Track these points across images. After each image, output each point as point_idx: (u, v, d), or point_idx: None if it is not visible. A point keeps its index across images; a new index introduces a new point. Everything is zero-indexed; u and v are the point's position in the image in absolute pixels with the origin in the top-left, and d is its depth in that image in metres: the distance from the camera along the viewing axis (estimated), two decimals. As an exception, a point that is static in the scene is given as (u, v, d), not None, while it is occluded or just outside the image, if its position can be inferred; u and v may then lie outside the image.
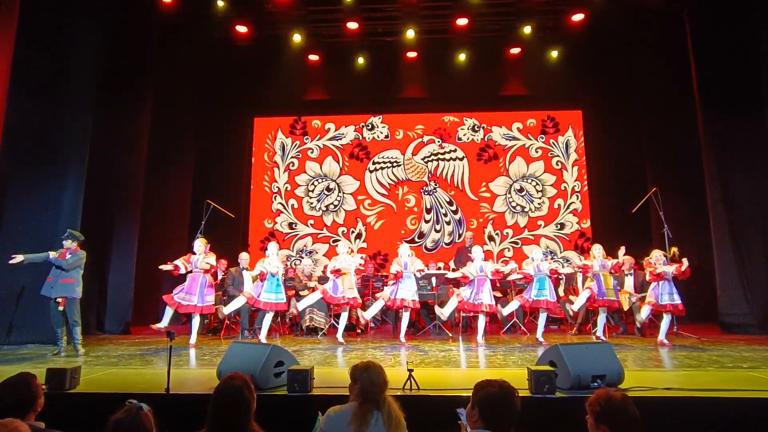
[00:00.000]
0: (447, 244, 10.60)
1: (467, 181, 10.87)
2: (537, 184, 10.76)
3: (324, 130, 11.23)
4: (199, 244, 6.67)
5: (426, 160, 10.99)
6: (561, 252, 10.39)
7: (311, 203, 10.96)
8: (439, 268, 8.42)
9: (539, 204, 10.68)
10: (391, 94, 10.83)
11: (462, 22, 9.53)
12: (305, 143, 11.19)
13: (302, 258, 10.26)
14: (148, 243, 8.70)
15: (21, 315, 6.61)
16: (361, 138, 11.14)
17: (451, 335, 7.40)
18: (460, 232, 10.66)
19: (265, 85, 10.76)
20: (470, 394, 2.13)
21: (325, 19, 9.79)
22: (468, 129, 11.05)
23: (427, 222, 10.78)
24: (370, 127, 11.17)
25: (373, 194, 10.92)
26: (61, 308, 5.83)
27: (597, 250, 6.90)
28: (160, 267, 6.71)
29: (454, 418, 2.31)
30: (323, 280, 7.49)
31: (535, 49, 10.24)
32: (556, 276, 6.98)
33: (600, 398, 1.95)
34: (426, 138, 11.08)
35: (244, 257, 8.14)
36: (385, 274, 8.30)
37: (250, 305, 6.80)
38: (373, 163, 11.03)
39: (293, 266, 9.57)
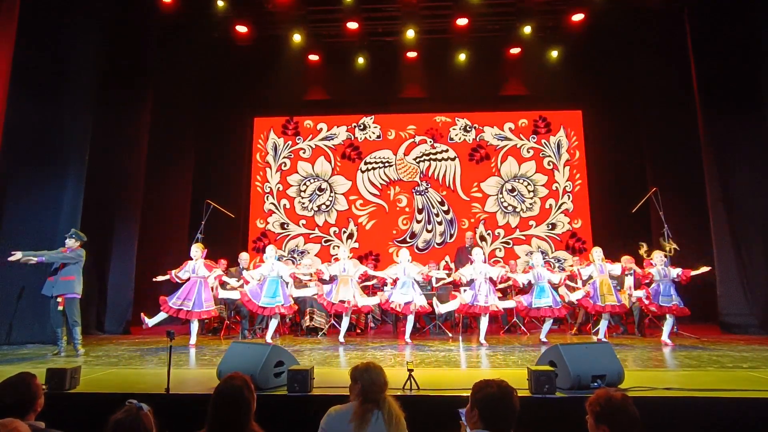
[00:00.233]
0: (438, 245, 10.61)
1: (459, 182, 10.88)
2: (528, 184, 10.77)
3: (316, 130, 11.23)
4: (196, 249, 6.67)
5: (418, 160, 11.00)
6: (552, 252, 10.39)
7: (303, 203, 10.96)
8: (447, 273, 8.39)
9: (531, 204, 10.70)
10: (392, 94, 10.83)
11: (462, 22, 9.53)
12: (297, 143, 11.20)
13: (293, 258, 10.27)
14: (148, 243, 8.71)
15: (21, 315, 6.62)
16: (353, 138, 11.15)
17: (451, 335, 7.41)
18: (452, 232, 10.68)
19: (265, 85, 10.76)
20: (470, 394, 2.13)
21: (325, 19, 9.79)
22: (460, 129, 11.06)
23: (418, 222, 10.78)
24: (362, 127, 11.17)
25: (365, 194, 10.93)
26: (60, 308, 5.83)
27: (596, 253, 6.82)
28: (155, 279, 6.76)
29: (454, 418, 2.31)
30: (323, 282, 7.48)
31: (535, 49, 10.24)
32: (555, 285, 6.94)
33: (600, 398, 1.95)
34: (418, 138, 11.09)
35: (244, 257, 8.15)
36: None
37: (246, 306, 6.77)
38: (365, 164, 11.03)
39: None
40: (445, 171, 10.92)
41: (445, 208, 10.80)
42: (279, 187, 11.04)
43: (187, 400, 3.52)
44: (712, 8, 8.10)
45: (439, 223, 10.75)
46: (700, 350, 5.85)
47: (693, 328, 7.48)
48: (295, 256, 10.48)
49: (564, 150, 10.85)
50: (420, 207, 10.82)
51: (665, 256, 6.70)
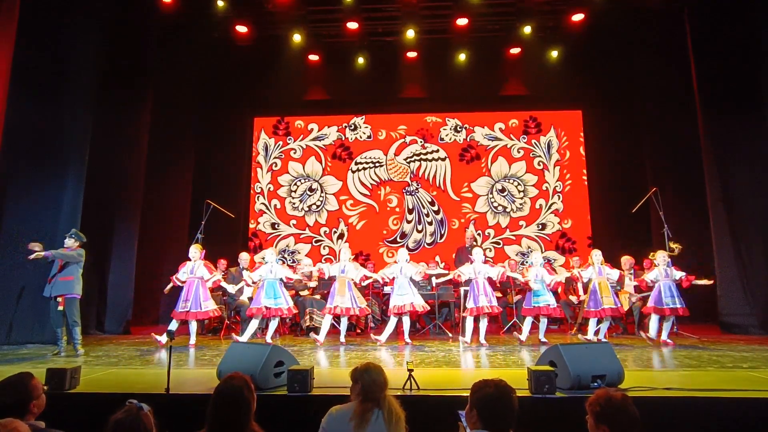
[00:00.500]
0: (429, 245, 10.61)
1: (449, 182, 10.89)
2: (519, 184, 10.78)
3: (307, 130, 11.24)
4: (194, 250, 6.69)
5: (408, 160, 11.00)
6: (542, 252, 10.39)
7: (294, 203, 10.96)
8: (445, 270, 8.39)
9: (521, 204, 10.70)
10: (392, 95, 10.82)
11: (462, 22, 9.53)
12: (288, 143, 11.20)
13: (284, 258, 10.28)
14: (148, 243, 8.71)
15: (21, 315, 6.62)
16: (343, 138, 11.15)
17: (451, 335, 7.40)
18: (442, 232, 10.69)
19: (265, 85, 10.76)
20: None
21: (325, 19, 9.79)
22: (450, 129, 11.07)
23: (409, 222, 10.79)
24: (352, 127, 11.18)
25: (356, 194, 10.93)
26: (60, 308, 5.83)
27: (596, 256, 6.79)
28: (166, 291, 6.81)
29: (454, 418, 2.31)
30: (323, 283, 7.49)
31: (535, 49, 10.23)
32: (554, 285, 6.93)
33: (600, 398, 1.95)
34: (408, 138, 11.09)
35: (244, 257, 8.14)
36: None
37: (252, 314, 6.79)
38: (356, 164, 11.04)
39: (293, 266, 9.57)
40: (436, 171, 10.93)
41: (436, 208, 10.81)
42: (270, 188, 11.04)
43: (187, 400, 3.52)
44: (712, 8, 8.10)
45: (430, 224, 10.76)
46: (700, 350, 5.85)
47: (693, 328, 7.47)
48: (286, 256, 10.49)
49: (554, 150, 10.86)
50: (410, 207, 10.83)
51: (669, 256, 6.68)
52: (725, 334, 7.33)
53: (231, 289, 7.15)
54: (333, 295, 6.75)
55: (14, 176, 6.88)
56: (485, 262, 6.99)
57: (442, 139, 11.04)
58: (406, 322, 6.76)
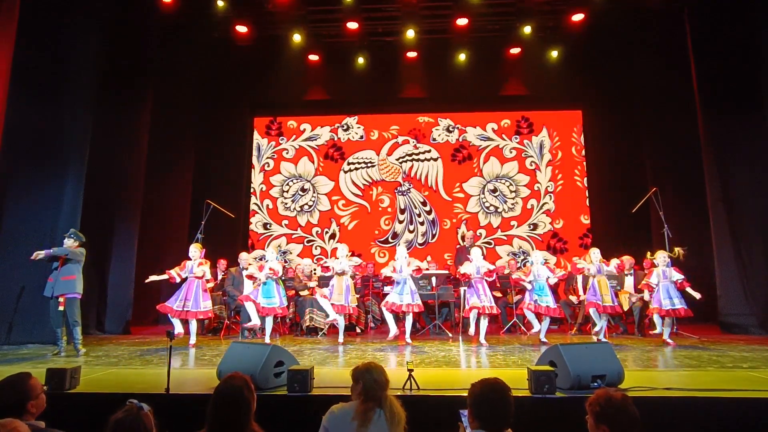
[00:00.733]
0: (420, 245, 10.61)
1: (441, 182, 10.89)
2: (510, 184, 10.79)
3: (299, 130, 11.25)
4: (194, 249, 6.67)
5: (400, 160, 11.01)
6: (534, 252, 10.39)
7: (286, 203, 10.97)
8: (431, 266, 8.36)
9: (512, 204, 10.71)
10: (392, 94, 10.83)
11: (462, 22, 9.53)
12: (281, 144, 11.21)
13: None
14: (148, 243, 8.71)
15: (21, 315, 6.61)
16: (336, 139, 11.16)
17: (451, 335, 7.40)
18: (434, 232, 10.70)
19: (265, 85, 10.76)
20: (469, 395, 2.14)
21: (325, 19, 9.79)
22: (442, 129, 11.08)
23: (400, 222, 10.79)
24: (345, 127, 11.19)
25: (348, 195, 10.95)
26: (61, 308, 5.83)
27: (594, 254, 6.79)
28: (149, 279, 6.72)
29: (454, 418, 2.31)
30: (324, 281, 7.48)
31: (535, 49, 10.23)
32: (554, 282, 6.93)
33: (600, 398, 1.95)
34: (401, 138, 11.10)
35: (243, 257, 8.15)
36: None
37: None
38: (348, 164, 11.05)
39: (293, 266, 9.57)
40: (428, 171, 10.94)
41: (428, 208, 10.82)
42: (262, 188, 11.05)
43: (187, 400, 3.52)
44: (712, 8, 8.10)
45: (421, 224, 10.77)
46: (700, 350, 5.85)
47: (693, 328, 7.47)
48: (277, 256, 10.46)
49: (546, 150, 10.88)
50: (402, 207, 10.84)
51: (669, 257, 6.67)
52: (725, 334, 7.33)
53: (230, 289, 7.15)
54: (331, 292, 6.73)
55: (14, 176, 6.87)
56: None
57: (434, 140, 11.05)
58: (409, 321, 6.76)
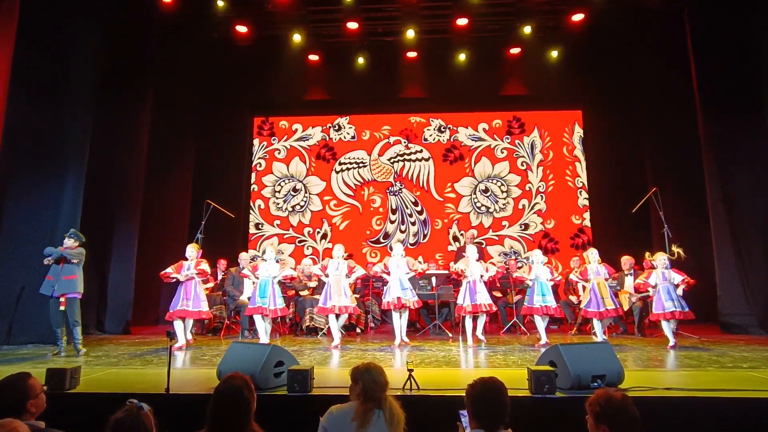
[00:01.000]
0: (412, 245, 10.59)
1: (433, 182, 10.90)
2: (502, 184, 10.79)
3: (291, 130, 11.25)
4: (191, 249, 6.66)
5: (392, 160, 11.01)
6: (525, 253, 10.41)
7: (278, 204, 10.97)
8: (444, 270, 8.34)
9: (504, 204, 10.72)
10: (392, 94, 10.83)
11: (462, 22, 9.53)
12: (272, 144, 11.21)
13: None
14: (148, 243, 8.71)
15: (21, 315, 6.61)
16: (327, 139, 11.16)
17: (451, 335, 7.40)
18: (425, 232, 10.71)
19: (265, 85, 10.77)
20: (469, 395, 2.14)
21: (325, 19, 9.79)
22: (434, 130, 11.09)
23: (392, 222, 10.79)
24: (336, 128, 11.19)
25: (339, 195, 10.95)
26: (62, 308, 5.83)
27: (592, 254, 6.77)
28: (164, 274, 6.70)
29: (454, 418, 2.31)
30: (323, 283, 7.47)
31: (535, 49, 10.23)
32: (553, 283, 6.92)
33: (600, 398, 1.96)
34: (392, 139, 11.10)
35: (243, 257, 8.15)
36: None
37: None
38: (340, 164, 11.05)
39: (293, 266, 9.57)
40: (419, 171, 10.95)
41: (419, 208, 10.82)
42: (254, 188, 11.06)
43: (187, 400, 3.53)
44: (712, 8, 8.10)
45: (413, 224, 10.78)
46: (700, 350, 5.85)
47: (693, 328, 7.47)
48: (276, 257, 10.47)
49: (537, 150, 10.88)
50: (394, 207, 10.85)
51: (669, 259, 6.64)
52: (725, 334, 7.33)
53: (230, 289, 7.14)
54: (329, 294, 6.63)
55: (14, 176, 6.88)
56: (478, 260, 6.92)
57: (425, 140, 11.06)
58: (400, 320, 6.73)
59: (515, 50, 10.32)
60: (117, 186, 8.27)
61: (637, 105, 9.99)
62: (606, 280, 6.66)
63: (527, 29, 9.73)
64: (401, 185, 10.91)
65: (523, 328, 7.79)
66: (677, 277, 6.35)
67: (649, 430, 2.00)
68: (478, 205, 10.73)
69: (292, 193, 11.00)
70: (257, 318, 6.49)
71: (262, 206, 10.98)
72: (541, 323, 6.52)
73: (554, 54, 10.32)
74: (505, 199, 10.73)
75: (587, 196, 10.64)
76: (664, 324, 6.24)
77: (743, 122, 7.75)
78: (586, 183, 10.70)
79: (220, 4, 9.12)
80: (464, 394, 2.16)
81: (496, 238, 10.56)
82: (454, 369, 4.89)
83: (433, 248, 10.48)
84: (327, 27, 10.02)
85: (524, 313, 6.90)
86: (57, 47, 7.27)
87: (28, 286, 6.57)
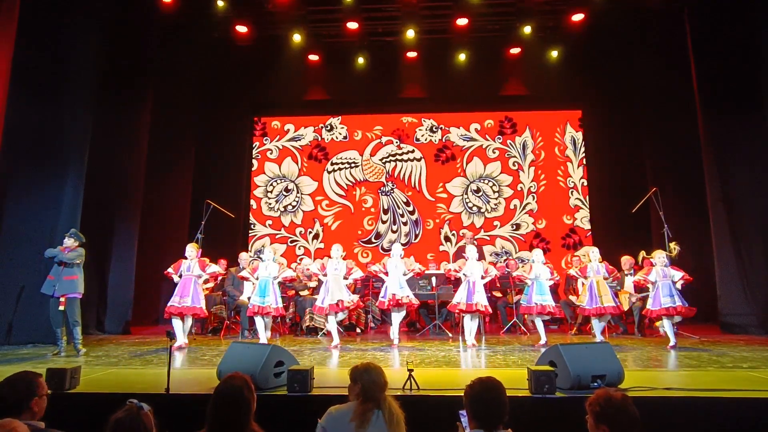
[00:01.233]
0: (403, 245, 10.48)
1: (424, 182, 10.91)
2: (494, 184, 10.80)
3: (283, 131, 11.26)
4: (191, 249, 6.67)
5: (384, 160, 11.02)
6: (516, 252, 10.42)
7: (270, 204, 10.98)
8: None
9: (495, 204, 10.73)
10: (392, 94, 10.83)
11: (462, 22, 9.52)
12: (264, 144, 11.22)
13: (260, 258, 10.29)
14: (148, 243, 8.71)
15: (21, 315, 6.61)
16: (320, 139, 11.18)
17: (451, 335, 7.40)
18: (417, 232, 10.72)
19: (265, 85, 10.77)
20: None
21: (325, 19, 9.79)
22: (426, 130, 11.09)
23: (384, 223, 10.80)
24: (329, 128, 11.20)
25: (331, 195, 10.96)
26: (62, 308, 5.83)
27: (593, 253, 6.77)
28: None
29: (454, 418, 2.31)
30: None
31: (535, 49, 10.23)
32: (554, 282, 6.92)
33: (600, 398, 1.96)
34: (384, 139, 11.11)
35: (243, 257, 8.15)
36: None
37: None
38: (332, 164, 11.06)
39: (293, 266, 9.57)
40: (411, 171, 10.96)
41: (411, 208, 10.83)
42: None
43: (187, 400, 3.53)
44: (712, 8, 8.10)
45: (404, 224, 10.79)
46: (700, 350, 5.85)
47: (693, 328, 7.48)
48: (260, 256, 10.46)
49: (529, 150, 10.88)
50: (385, 207, 10.86)
51: (667, 257, 6.64)
52: (725, 334, 7.33)
53: (230, 289, 7.15)
54: (327, 293, 6.60)
55: (14, 176, 6.87)
56: (478, 260, 6.91)
57: (417, 140, 11.07)
58: (397, 319, 6.72)
59: (515, 50, 10.32)
60: (117, 186, 8.27)
61: (637, 105, 9.99)
62: (605, 279, 6.67)
63: (527, 29, 9.73)
64: (393, 185, 10.92)
65: (523, 328, 7.79)
66: (677, 274, 6.35)
67: (649, 430, 2.00)
68: (470, 205, 10.74)
69: (284, 193, 11.01)
70: (258, 318, 6.50)
71: (254, 206, 11.00)
72: (540, 323, 6.52)
73: (554, 54, 10.32)
74: (496, 199, 10.75)
75: (579, 196, 10.66)
76: (666, 323, 6.23)
77: (743, 122, 7.75)
78: (577, 183, 10.71)
79: (220, 4, 9.12)
80: (462, 395, 2.16)
81: (488, 238, 10.56)
82: (454, 369, 4.89)
83: (425, 248, 10.48)
84: (327, 27, 10.02)
85: (522, 312, 6.90)
86: (57, 47, 7.27)
87: (28, 286, 6.58)
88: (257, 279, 6.63)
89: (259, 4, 9.29)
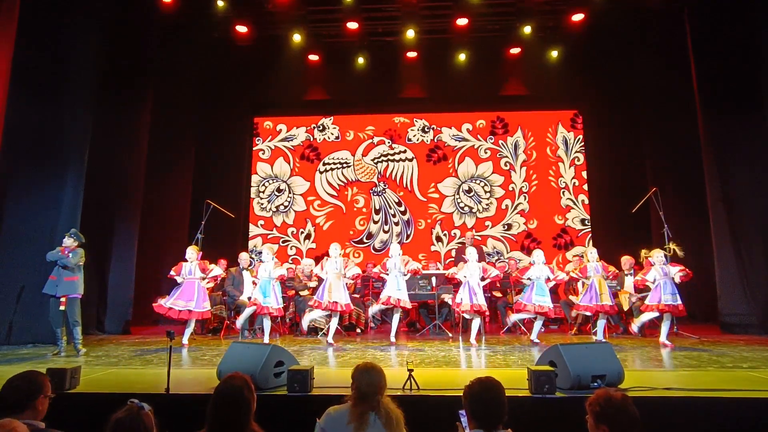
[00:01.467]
0: None
1: (416, 182, 10.92)
2: (485, 184, 10.81)
3: (275, 131, 11.27)
4: (191, 252, 6.68)
5: (376, 161, 11.03)
6: (507, 252, 10.42)
7: (262, 204, 10.99)
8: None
9: (487, 205, 10.73)
10: (392, 94, 10.83)
11: (462, 22, 9.53)
12: (257, 144, 11.23)
13: (253, 258, 10.29)
14: (148, 243, 8.72)
15: (21, 315, 6.61)
16: (312, 139, 11.18)
17: (451, 335, 7.40)
18: (408, 232, 10.72)
19: (265, 85, 10.77)
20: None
21: (325, 19, 9.79)
22: (418, 130, 11.10)
23: (375, 223, 10.81)
24: (321, 128, 11.21)
25: (323, 195, 10.98)
26: (62, 308, 5.83)
27: (591, 253, 6.78)
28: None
29: (454, 418, 2.31)
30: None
31: (535, 49, 10.23)
32: (553, 282, 6.92)
33: (600, 398, 1.96)
34: (376, 139, 11.12)
35: (243, 257, 8.14)
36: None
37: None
38: (324, 164, 11.07)
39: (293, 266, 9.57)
40: (403, 172, 10.97)
41: (402, 208, 10.84)
42: None
43: (187, 400, 3.53)
44: (712, 8, 8.09)
45: (396, 224, 10.79)
46: (700, 350, 5.85)
47: (693, 328, 7.48)
48: (253, 256, 10.46)
49: (521, 151, 10.89)
50: (377, 208, 10.87)
51: (665, 255, 6.64)
52: (725, 334, 7.32)
53: (230, 289, 7.15)
54: (328, 291, 6.60)
55: (14, 176, 6.87)
56: (479, 261, 6.92)
57: (409, 140, 11.07)
58: (395, 318, 6.73)
59: (515, 50, 10.32)
60: (117, 186, 8.27)
61: (637, 105, 9.99)
62: (605, 279, 6.67)
63: (527, 29, 9.73)
64: (385, 185, 10.93)
65: (523, 328, 7.78)
66: (674, 269, 6.32)
67: (649, 430, 2.00)
68: (462, 205, 10.75)
69: (276, 193, 11.02)
70: (265, 319, 6.56)
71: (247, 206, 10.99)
72: (539, 323, 6.56)
73: (554, 54, 10.32)
74: (488, 199, 10.76)
75: (570, 196, 10.67)
76: (664, 322, 6.24)
77: (743, 122, 7.75)
78: (569, 183, 10.72)
79: (220, 4, 9.12)
80: (461, 395, 2.16)
81: (479, 238, 10.54)
82: (454, 369, 4.89)
83: (416, 248, 10.48)
84: (327, 27, 10.02)
85: (517, 309, 6.90)
86: (57, 47, 7.27)
87: (28, 286, 6.58)
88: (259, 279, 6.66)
89: (259, 4, 9.29)
